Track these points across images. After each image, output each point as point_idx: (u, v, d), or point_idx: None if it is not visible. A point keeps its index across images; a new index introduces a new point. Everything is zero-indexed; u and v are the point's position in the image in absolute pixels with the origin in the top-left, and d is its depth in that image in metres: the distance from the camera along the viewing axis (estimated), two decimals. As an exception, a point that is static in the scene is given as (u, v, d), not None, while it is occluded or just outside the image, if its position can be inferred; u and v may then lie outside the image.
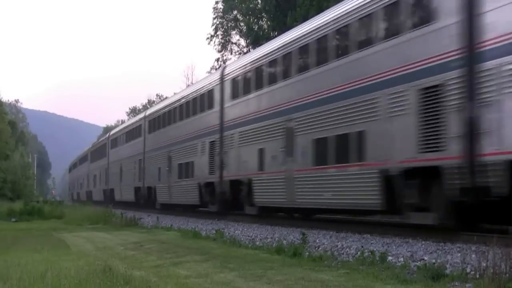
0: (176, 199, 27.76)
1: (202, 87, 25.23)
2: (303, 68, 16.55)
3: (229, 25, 49.77)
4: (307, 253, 10.46)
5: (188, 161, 25.55)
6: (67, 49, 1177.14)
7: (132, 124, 40.58)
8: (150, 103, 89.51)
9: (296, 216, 19.40)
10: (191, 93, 27.09)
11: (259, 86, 19.12)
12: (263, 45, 22.14)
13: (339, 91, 14.61)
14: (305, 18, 27.27)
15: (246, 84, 20.24)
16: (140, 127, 36.41)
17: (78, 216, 27.42)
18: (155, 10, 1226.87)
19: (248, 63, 20.43)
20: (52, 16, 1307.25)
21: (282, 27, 36.04)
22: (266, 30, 45.31)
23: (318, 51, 15.75)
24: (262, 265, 9.40)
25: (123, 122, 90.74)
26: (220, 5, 49.77)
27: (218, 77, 23.17)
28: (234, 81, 21.39)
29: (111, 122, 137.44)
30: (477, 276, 7.14)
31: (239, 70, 21.12)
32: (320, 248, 11.12)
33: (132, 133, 38.98)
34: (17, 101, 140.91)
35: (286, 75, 17.46)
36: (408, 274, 7.89)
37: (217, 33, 50.07)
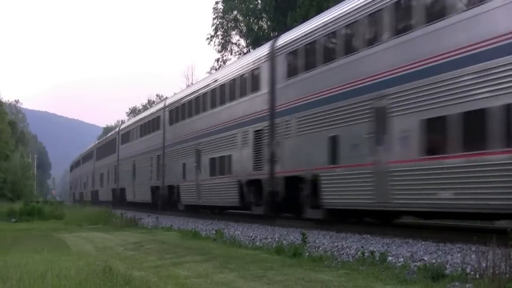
0: (207, 199, 23.86)
1: (242, 67, 21.17)
2: (406, 28, 12.52)
3: (229, 26, 49.82)
4: (307, 253, 10.46)
5: (224, 154, 21.80)
6: (68, 50, 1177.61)
7: (149, 115, 35.66)
8: (150, 103, 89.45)
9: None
10: (226, 75, 22.79)
11: (330, 58, 15.36)
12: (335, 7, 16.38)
13: (477, 50, 10.71)
14: (305, 18, 27.24)
15: (309, 57, 16.42)
16: (158, 119, 32.15)
17: (78, 217, 27.39)
18: (155, 11, 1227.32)
19: (313, 31, 16.26)
20: (53, 16, 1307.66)
21: (282, 28, 36.05)
22: (266, 31, 45.35)
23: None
24: (262, 265, 9.40)
25: (123, 122, 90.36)
26: (220, 6, 49.83)
27: (267, 52, 19.06)
28: (290, 55, 17.53)
29: (111, 122, 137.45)
30: (477, 276, 7.14)
31: (299, 41, 17.09)
32: (320, 248, 11.12)
33: (148, 125, 34.52)
34: (17, 101, 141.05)
35: (377, 38, 13.45)
36: (408, 274, 7.89)
37: (217, 33, 50.13)
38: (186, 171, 26.11)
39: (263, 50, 19.82)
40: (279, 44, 18.34)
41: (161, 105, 33.63)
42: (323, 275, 8.21)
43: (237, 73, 21.39)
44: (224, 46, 50.35)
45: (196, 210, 26.51)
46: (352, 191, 14.05)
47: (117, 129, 47.45)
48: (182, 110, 27.90)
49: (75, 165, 78.89)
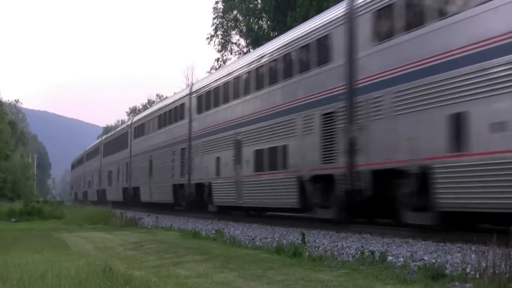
0: (251, 199, 19.76)
1: (302, 37, 16.97)
2: None
3: (229, 25, 49.91)
4: (307, 253, 10.45)
5: (276, 145, 17.73)
6: (68, 49, 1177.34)
7: (170, 104, 31.00)
8: (150, 103, 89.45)
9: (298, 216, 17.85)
10: (277, 49, 18.36)
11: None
12: None
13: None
14: (305, 18, 27.21)
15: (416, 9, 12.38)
16: (182, 107, 27.92)
17: (78, 216, 27.38)
18: (155, 11, 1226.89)
19: None
20: (53, 16, 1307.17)
21: (282, 28, 36.06)
22: (266, 31, 45.41)
23: None
24: (262, 265, 9.40)
25: (123, 122, 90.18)
26: (220, 5, 49.93)
27: (342, 14, 15.01)
28: (382, 12, 13.31)
29: (111, 122, 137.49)
30: (477, 276, 7.13)
31: None
32: (320, 248, 11.12)
33: (169, 115, 30.28)
34: (17, 101, 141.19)
35: None
36: (408, 274, 7.89)
37: (217, 33, 50.26)
38: (221, 166, 22.20)
39: (336, 12, 15.54)
40: (363, 1, 14.13)
41: (186, 91, 29.11)
42: (323, 275, 8.21)
43: (294, 46, 17.26)
44: (224, 45, 50.46)
45: (230, 212, 23.06)
46: (492, 189, 10.10)
47: (128, 122, 43.34)
48: (214, 95, 23.46)
49: (77, 163, 73.83)
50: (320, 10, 25.31)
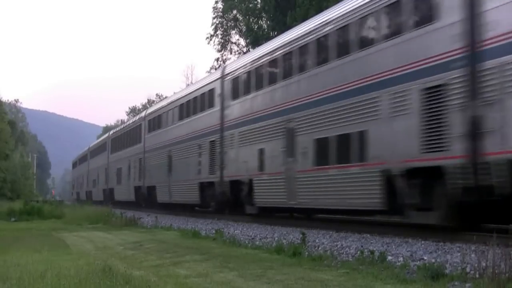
0: (309, 199, 16.28)
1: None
2: None
3: (228, 25, 49.93)
4: (306, 253, 10.45)
5: (349, 132, 14.31)
6: (68, 49, 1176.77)
7: (194, 91, 26.90)
8: (150, 103, 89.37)
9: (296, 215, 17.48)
10: (348, 13, 14.81)
11: None
12: None
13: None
14: (304, 18, 27.16)
15: None
16: (211, 93, 23.95)
17: (78, 216, 27.37)
18: (155, 12, 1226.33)
19: None
20: (53, 16, 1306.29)
21: (282, 27, 36.05)
22: (266, 30, 45.41)
23: None
24: (261, 264, 9.40)
25: (123, 122, 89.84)
26: (219, 5, 49.93)
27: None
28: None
29: (111, 122, 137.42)
30: (477, 275, 7.13)
31: None
32: (320, 248, 11.12)
33: (194, 104, 26.32)
34: (17, 100, 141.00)
35: None
36: (408, 273, 7.89)
37: (217, 32, 50.28)
38: (265, 160, 18.77)
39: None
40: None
41: (217, 74, 24.79)
42: (323, 275, 8.21)
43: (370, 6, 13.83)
44: (224, 45, 50.48)
45: (275, 215, 20.06)
46: None
47: (142, 115, 38.92)
48: (256, 77, 19.84)
49: (80, 161, 68.88)
50: (319, 10, 25.24)
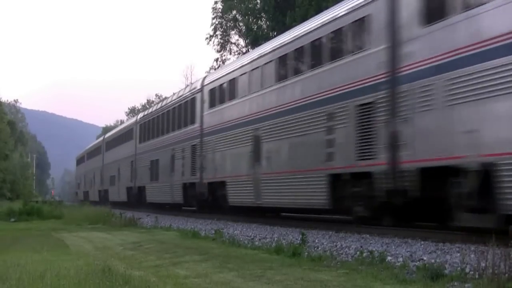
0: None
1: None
2: None
3: (228, 25, 49.91)
4: (306, 253, 10.45)
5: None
6: (67, 50, 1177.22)
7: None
8: (149, 103, 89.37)
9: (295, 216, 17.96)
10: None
11: None
12: None
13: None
14: (304, 18, 27.20)
15: None
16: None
17: (77, 216, 27.37)
18: (155, 12, 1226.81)
19: None
20: (52, 16, 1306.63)
21: (281, 27, 36.06)
22: (265, 30, 45.40)
23: None
24: (261, 265, 9.40)
25: (122, 122, 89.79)
26: (219, 5, 49.92)
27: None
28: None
29: (110, 122, 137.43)
30: (476, 276, 7.14)
31: None
32: (319, 248, 11.12)
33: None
34: (16, 101, 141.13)
35: None
36: (407, 274, 7.89)
37: (216, 33, 50.25)
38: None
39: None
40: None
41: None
42: (322, 275, 8.21)
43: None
44: (223, 45, 50.47)
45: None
46: None
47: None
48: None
49: (88, 156, 59.53)
50: (319, 10, 25.28)
